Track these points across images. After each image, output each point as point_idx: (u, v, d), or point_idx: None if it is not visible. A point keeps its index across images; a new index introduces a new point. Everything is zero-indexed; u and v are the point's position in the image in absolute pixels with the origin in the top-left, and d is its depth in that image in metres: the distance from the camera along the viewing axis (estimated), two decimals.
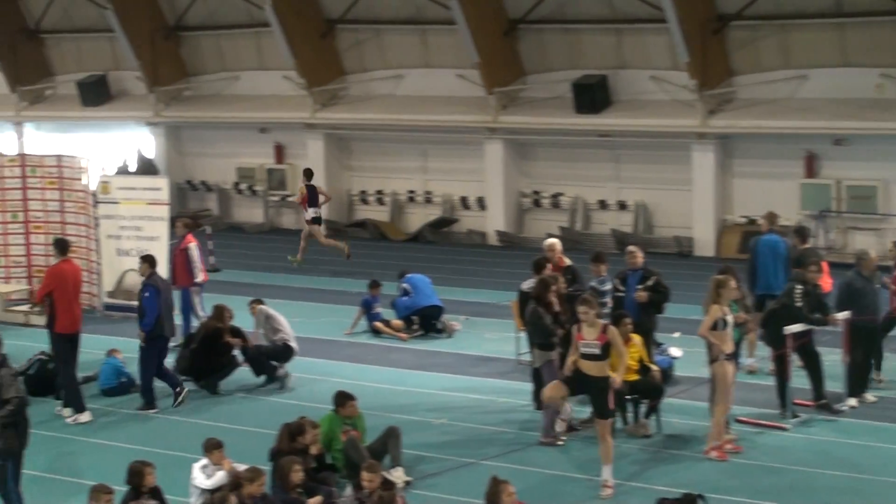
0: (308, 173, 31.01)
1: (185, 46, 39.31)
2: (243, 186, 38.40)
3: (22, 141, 41.63)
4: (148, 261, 19.88)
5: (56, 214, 26.22)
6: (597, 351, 15.06)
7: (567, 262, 19.81)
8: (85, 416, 18.77)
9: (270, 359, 20.57)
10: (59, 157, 26.71)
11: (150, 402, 19.34)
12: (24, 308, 25.16)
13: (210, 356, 20.28)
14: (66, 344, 18.90)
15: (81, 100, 40.21)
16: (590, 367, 15.09)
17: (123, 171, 37.46)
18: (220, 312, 20.53)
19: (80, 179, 25.93)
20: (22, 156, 28.11)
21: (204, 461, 14.59)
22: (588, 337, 15.07)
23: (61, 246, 19.76)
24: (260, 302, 21.19)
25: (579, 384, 15.31)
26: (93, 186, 26.35)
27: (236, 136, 38.51)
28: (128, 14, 37.67)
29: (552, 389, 15.63)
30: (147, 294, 19.34)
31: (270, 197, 38.13)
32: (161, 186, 26.09)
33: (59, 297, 18.92)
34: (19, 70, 40.94)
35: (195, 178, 39.43)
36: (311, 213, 30.56)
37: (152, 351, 19.36)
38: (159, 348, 19.49)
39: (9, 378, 14.03)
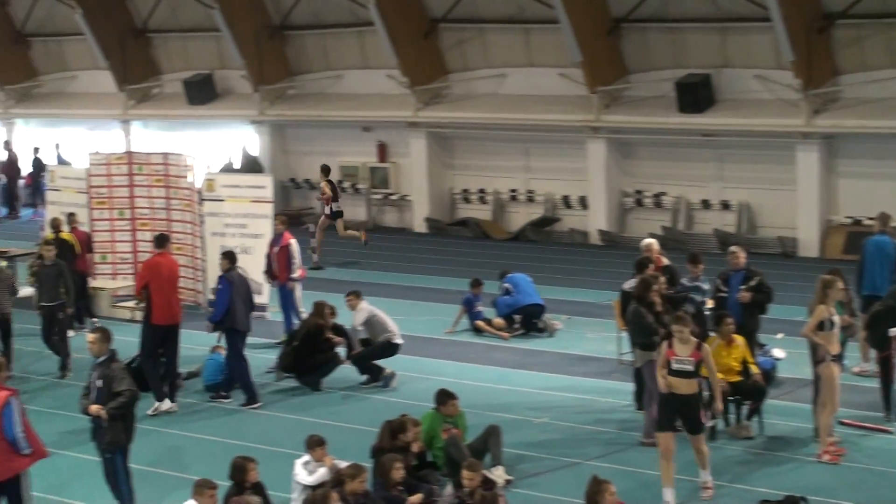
0: (326, 169, 31.50)
1: (290, 45, 39.60)
2: (346, 184, 38.62)
3: (129, 139, 42.17)
4: (228, 257, 20.24)
5: (162, 212, 26.50)
6: (689, 368, 14.83)
7: (665, 261, 19.72)
8: (165, 405, 19.11)
9: (375, 357, 20.68)
10: (165, 155, 26.99)
11: (252, 397, 19.56)
12: (131, 304, 25.44)
13: (312, 353, 20.44)
14: (157, 336, 19.20)
15: (187, 98, 40.65)
16: (680, 385, 14.79)
17: (228, 169, 37.83)
18: (320, 309, 20.68)
19: (185, 177, 26.20)
20: (129, 154, 28.42)
21: (306, 457, 14.70)
22: (681, 353, 14.84)
23: (160, 240, 20.33)
24: (358, 295, 21.23)
25: (671, 407, 14.90)
26: (198, 184, 26.66)
27: (339, 135, 38.72)
28: (234, 13, 38.02)
29: (665, 443, 14.91)
30: (220, 287, 19.75)
31: (373, 195, 38.30)
32: (265, 184, 26.33)
33: (154, 290, 19.36)
34: (127, 69, 41.46)
35: (299, 176, 39.72)
36: (334, 207, 31.22)
37: (235, 346, 19.62)
38: (239, 341, 19.73)
39: (120, 372, 14.29)
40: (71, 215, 25.70)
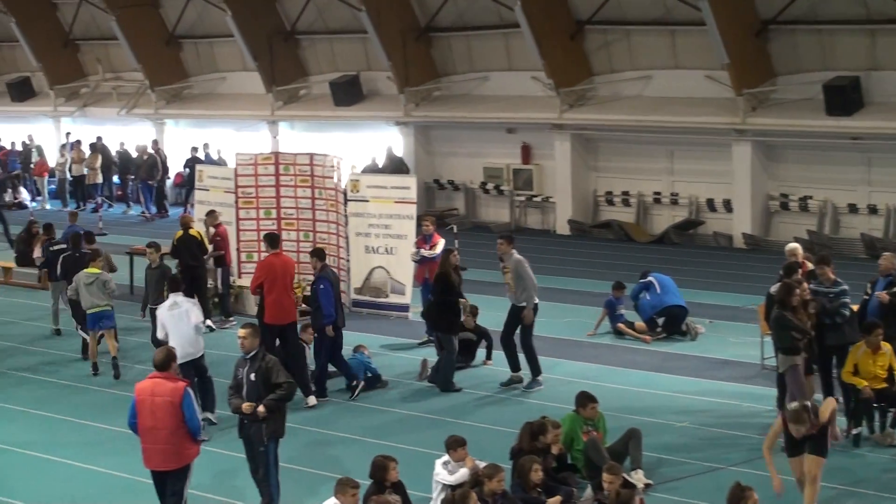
0: None
1: (436, 47, 39.80)
2: (490, 186, 38.68)
3: (276, 139, 42.73)
4: (317, 255, 20.50)
5: (307, 212, 26.78)
6: None
7: (810, 266, 19.40)
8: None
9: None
10: (311, 155, 27.21)
11: (304, 389, 19.22)
12: None
13: (446, 304, 20.75)
14: (271, 335, 19.44)
15: (334, 99, 41.05)
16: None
17: (371, 170, 38.12)
18: (445, 258, 21.40)
19: (331, 177, 26.43)
20: (276, 154, 28.74)
21: (446, 457, 14.76)
22: None
23: (272, 240, 20.78)
24: (510, 241, 21.12)
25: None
26: (343, 185, 26.90)
27: (484, 136, 38.81)
28: (381, 16, 38.31)
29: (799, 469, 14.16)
30: (322, 286, 19.84)
31: (516, 197, 38.32)
32: (409, 185, 26.46)
33: (267, 289, 19.80)
34: (275, 71, 42.03)
35: (443, 177, 39.90)
36: None
37: (329, 342, 19.93)
38: (336, 338, 20.06)
39: (276, 364, 14.56)
40: (210, 213, 26.09)
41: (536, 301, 20.44)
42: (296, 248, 26.72)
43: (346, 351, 21.16)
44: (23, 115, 49.44)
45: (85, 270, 21.74)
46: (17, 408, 19.88)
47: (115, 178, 45.15)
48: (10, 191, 45.33)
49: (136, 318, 24.33)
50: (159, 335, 18.65)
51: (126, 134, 45.81)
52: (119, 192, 44.99)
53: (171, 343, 17.42)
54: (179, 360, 15.74)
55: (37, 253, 29.19)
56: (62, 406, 19.92)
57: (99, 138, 45.24)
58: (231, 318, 25.27)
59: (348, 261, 26.11)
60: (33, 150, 47.08)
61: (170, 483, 13.66)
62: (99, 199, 43.76)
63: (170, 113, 45.54)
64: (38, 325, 25.53)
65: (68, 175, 44.67)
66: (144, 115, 45.69)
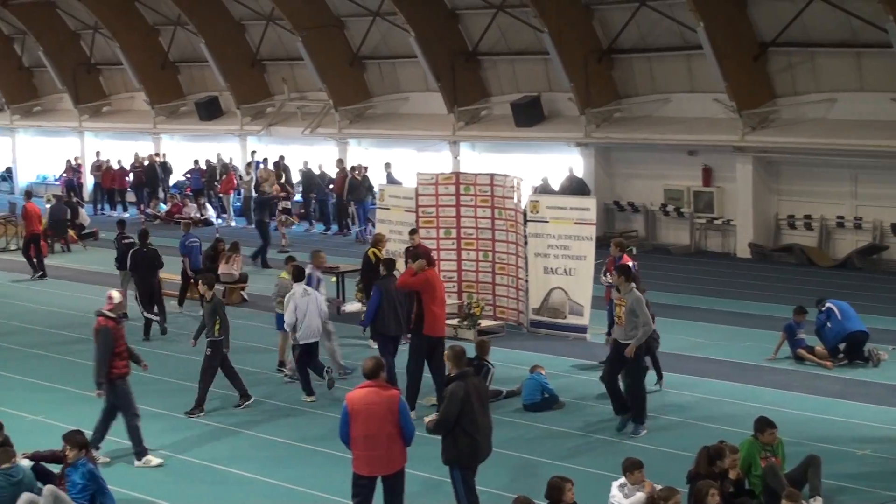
0: None
1: (617, 69, 39.77)
2: (670, 208, 38.49)
3: (457, 159, 43.08)
4: (386, 265, 21.67)
5: (487, 231, 26.99)
6: None
7: None
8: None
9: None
10: (491, 175, 27.42)
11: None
12: (454, 322, 25.97)
13: None
14: (426, 346, 20.06)
15: (515, 120, 41.27)
16: None
17: (546, 190, 38.16)
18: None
19: (511, 198, 26.62)
20: (456, 174, 29.01)
21: (623, 480, 14.78)
22: None
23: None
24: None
25: None
26: (523, 205, 27.05)
27: (664, 158, 38.63)
28: (563, 37, 38.42)
29: None
30: (372, 293, 21.18)
31: (697, 219, 38.05)
32: (589, 206, 26.46)
33: (427, 302, 20.18)
34: (457, 91, 42.42)
35: (622, 198, 39.82)
36: None
37: (385, 347, 20.90)
38: (389, 344, 20.98)
39: (448, 392, 14.69)
40: (413, 232, 26.15)
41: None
42: (475, 267, 26.98)
43: (523, 371, 21.30)
44: (211, 133, 50.70)
45: (281, 274, 23.06)
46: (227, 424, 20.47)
47: (297, 196, 46.01)
48: (195, 207, 46.52)
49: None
50: (289, 320, 21.34)
51: (310, 153, 46.62)
52: (301, 210, 45.79)
53: (302, 327, 21.19)
54: (307, 341, 21.25)
55: (222, 269, 29.98)
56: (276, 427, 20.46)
57: (282, 157, 46.21)
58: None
59: (527, 281, 26.23)
60: (218, 167, 48.29)
61: (385, 485, 14.05)
62: (282, 217, 44.50)
63: (353, 132, 46.22)
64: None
65: (253, 193, 45.60)
66: (328, 134, 46.45)
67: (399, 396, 14.07)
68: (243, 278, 30.67)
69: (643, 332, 18.75)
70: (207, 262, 30.61)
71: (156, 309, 26.69)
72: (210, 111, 50.59)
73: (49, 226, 39.26)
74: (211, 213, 46.67)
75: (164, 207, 48.06)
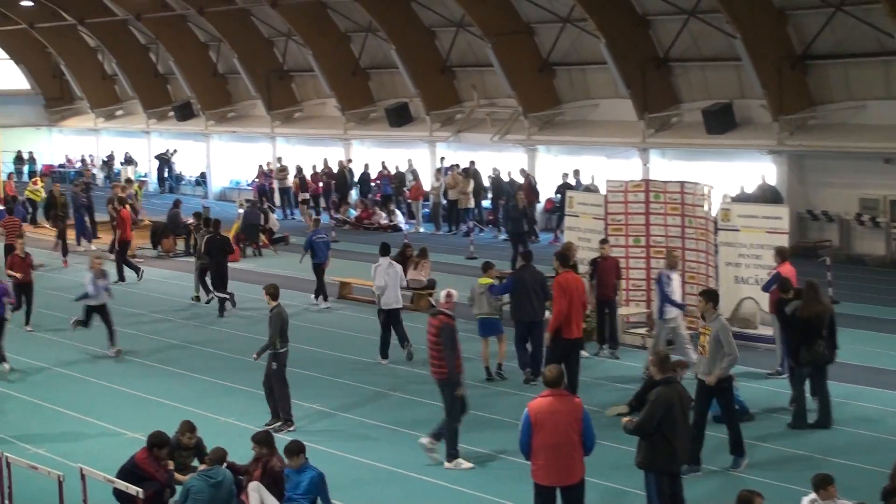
0: None
1: (812, 75, 39.10)
2: (865, 218, 37.71)
3: (647, 167, 42.85)
4: (524, 256, 23.71)
5: (676, 240, 26.80)
6: None
7: None
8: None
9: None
10: (682, 183, 27.25)
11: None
12: (643, 331, 25.90)
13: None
14: (564, 349, 20.75)
15: (706, 127, 40.88)
16: None
17: (742, 199, 37.71)
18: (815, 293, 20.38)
19: (701, 206, 26.42)
20: (646, 181, 28.88)
21: (813, 496, 14.56)
22: None
23: (563, 258, 22.02)
24: None
25: None
26: (714, 213, 26.80)
27: (860, 167, 37.85)
28: (756, 43, 37.94)
29: None
30: (506, 280, 23.93)
31: (893, 230, 37.20)
32: (781, 215, 26.14)
33: (565, 306, 20.79)
34: (647, 98, 42.20)
35: (816, 207, 39.14)
36: None
37: (518, 331, 22.86)
38: (523, 330, 22.80)
39: (652, 396, 14.70)
40: (603, 241, 26.04)
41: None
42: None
43: None
44: (400, 139, 51.28)
45: (479, 280, 23.69)
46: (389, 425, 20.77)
47: (486, 203, 46.28)
48: (384, 213, 47.14)
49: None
50: (379, 283, 25.00)
51: (498, 160, 46.85)
52: (490, 217, 46.05)
53: (387, 294, 24.85)
54: (388, 307, 24.94)
55: (410, 275, 30.25)
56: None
57: (472, 163, 46.51)
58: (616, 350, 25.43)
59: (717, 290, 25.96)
60: (408, 174, 48.83)
61: (566, 496, 14.09)
62: (470, 224, 44.89)
63: (542, 139, 46.30)
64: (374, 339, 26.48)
65: (443, 199, 46.06)
66: (517, 141, 46.61)
67: (582, 405, 14.11)
68: (431, 284, 30.92)
69: (728, 363, 17.63)
70: None
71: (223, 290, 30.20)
72: (400, 117, 51.14)
73: (241, 230, 40.19)
74: (399, 218, 47.19)
75: (353, 213, 48.75)
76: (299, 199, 49.45)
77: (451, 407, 18.14)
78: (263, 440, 15.74)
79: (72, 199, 42.39)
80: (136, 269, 35.21)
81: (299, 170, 52.12)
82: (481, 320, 23.52)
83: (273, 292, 20.42)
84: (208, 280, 30.97)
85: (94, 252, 26.61)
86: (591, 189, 40.00)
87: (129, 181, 41.34)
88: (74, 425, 20.77)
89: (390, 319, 25.10)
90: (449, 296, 18.69)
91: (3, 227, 37.10)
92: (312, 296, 31.40)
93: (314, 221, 33.56)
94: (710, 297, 18.10)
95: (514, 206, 37.50)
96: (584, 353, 23.48)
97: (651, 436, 14.43)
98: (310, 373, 24.02)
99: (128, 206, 37.77)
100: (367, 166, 50.97)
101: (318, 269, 31.04)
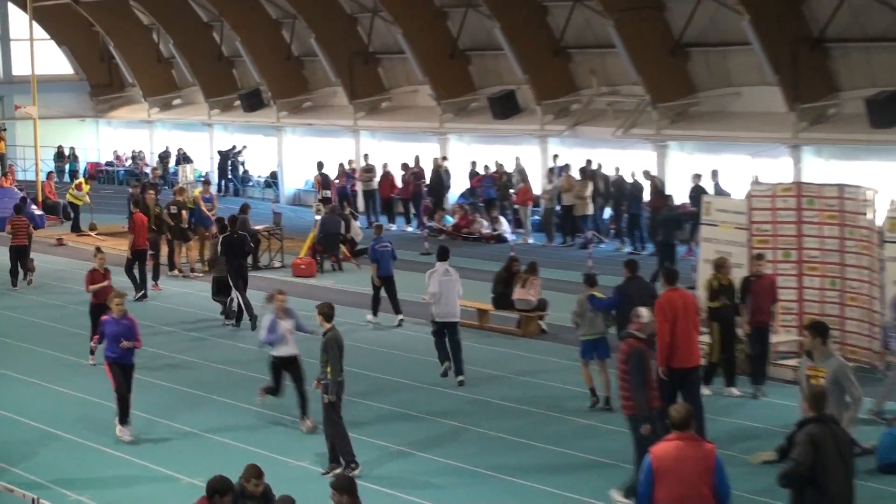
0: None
1: None
2: None
3: (799, 167, 42.40)
4: (628, 266, 24.70)
5: (834, 254, 26.50)
6: None
7: None
8: None
9: None
10: (840, 186, 26.89)
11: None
12: (793, 362, 25.53)
13: None
14: (674, 381, 20.58)
15: (869, 120, 40.34)
16: None
17: None
18: None
19: (864, 214, 26.08)
20: (798, 184, 28.58)
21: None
22: None
23: (671, 276, 21.76)
24: None
25: None
26: (879, 222, 26.43)
27: None
28: None
29: None
30: (612, 295, 24.31)
31: None
32: None
33: (670, 329, 20.70)
34: (800, 85, 41.68)
35: None
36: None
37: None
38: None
39: (801, 437, 14.43)
40: (758, 257, 25.88)
41: None
42: (819, 297, 26.55)
43: (876, 425, 20.83)
44: (506, 134, 51.30)
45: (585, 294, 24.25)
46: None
47: (608, 210, 46.12)
48: (487, 221, 47.07)
49: None
50: (433, 291, 25.85)
51: (622, 158, 46.72)
52: (612, 226, 45.84)
53: (441, 304, 25.79)
54: (443, 320, 25.86)
55: (518, 294, 30.24)
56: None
57: (588, 162, 46.39)
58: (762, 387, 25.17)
59: (882, 315, 25.59)
60: (513, 175, 48.72)
61: None
62: (588, 234, 44.71)
63: (673, 134, 46.05)
64: (542, 383, 26.43)
65: (556, 205, 45.94)
66: (643, 136, 46.44)
67: (715, 451, 13.92)
68: (542, 305, 30.84)
69: (856, 410, 17.23)
70: (499, 285, 30.92)
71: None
72: (505, 108, 51.13)
73: (318, 240, 40.33)
74: (505, 227, 47.14)
75: (449, 220, 48.81)
76: (318, 197, 49.80)
77: (638, 447, 18.04)
78: (346, 487, 15.71)
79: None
80: (137, 285, 35.52)
81: (340, 167, 52.85)
82: (588, 341, 23.94)
83: (327, 312, 20.57)
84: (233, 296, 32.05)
85: (273, 290, 24.88)
86: (722, 193, 39.68)
87: (181, 189, 41.36)
88: (121, 468, 20.99)
89: (447, 334, 26.07)
90: (638, 316, 18.74)
91: (11, 228, 38.36)
92: (395, 315, 31.92)
93: (377, 228, 33.96)
94: (819, 331, 17.51)
95: (669, 209, 37.45)
96: (705, 390, 23.37)
97: (801, 487, 14.18)
98: (371, 403, 24.23)
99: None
100: (474, 164, 50.87)
101: (384, 281, 32.00)
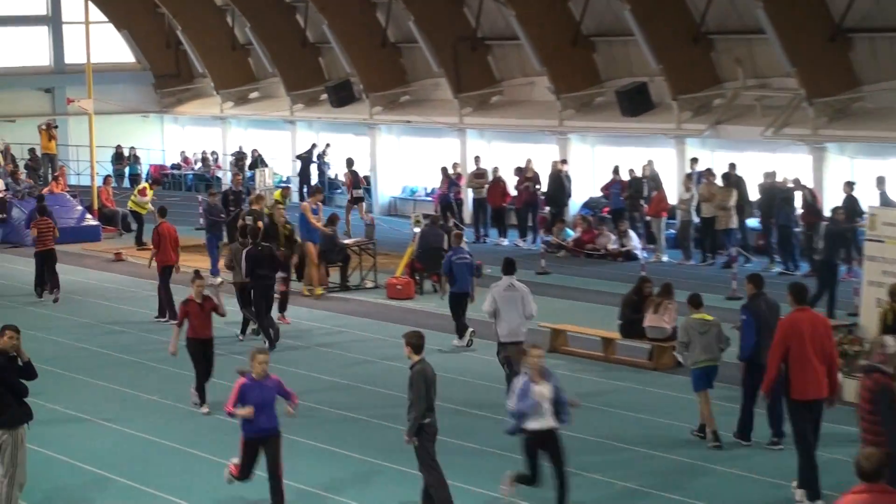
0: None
1: None
2: None
3: None
4: (752, 281, 24.14)
5: None
6: None
7: None
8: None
9: None
10: None
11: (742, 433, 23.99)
12: None
13: None
14: (804, 414, 20.79)
15: None
16: None
17: None
18: None
19: None
20: None
21: None
22: None
23: (797, 293, 21.77)
24: None
25: None
26: None
27: None
28: None
29: None
30: (743, 317, 23.62)
31: None
32: None
33: (793, 356, 20.95)
34: None
35: None
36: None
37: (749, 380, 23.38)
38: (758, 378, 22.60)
39: None
40: None
41: None
42: None
43: None
44: (636, 134, 51.49)
45: (693, 317, 24.82)
46: None
47: (754, 222, 46.13)
48: (614, 235, 47.03)
49: None
50: (488, 309, 27.07)
51: (772, 162, 46.57)
52: (760, 242, 45.62)
53: (503, 323, 26.85)
54: (508, 340, 26.76)
55: (650, 320, 30.31)
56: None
57: (732, 167, 46.36)
58: None
59: None
60: (646, 181, 48.53)
61: None
62: (732, 251, 44.59)
63: (832, 134, 45.90)
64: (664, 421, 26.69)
65: (694, 217, 45.79)
66: (797, 136, 46.32)
67: None
68: (677, 334, 30.53)
69: None
70: (628, 310, 30.95)
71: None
72: (636, 103, 51.11)
73: (418, 256, 40.35)
74: (635, 242, 47.03)
75: (570, 234, 48.87)
76: (350, 196, 50.01)
77: None
78: None
79: (206, 212, 43.28)
80: (164, 311, 36.44)
81: (443, 171, 52.93)
82: (702, 370, 24.41)
83: (416, 343, 20.27)
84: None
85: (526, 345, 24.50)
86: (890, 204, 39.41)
87: (259, 197, 41.42)
88: None
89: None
90: (883, 346, 18.69)
91: (37, 231, 39.81)
92: (459, 337, 32.91)
93: (456, 237, 34.81)
94: None
95: (832, 221, 37.19)
96: None
97: None
98: (464, 443, 24.42)
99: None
100: (616, 169, 50.57)
101: (457, 300, 32.84)
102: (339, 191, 62.80)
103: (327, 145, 63.52)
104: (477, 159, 54.10)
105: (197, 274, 27.99)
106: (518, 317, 26.94)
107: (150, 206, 50.24)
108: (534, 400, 19.91)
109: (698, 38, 49.52)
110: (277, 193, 48.46)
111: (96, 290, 40.65)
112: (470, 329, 32.74)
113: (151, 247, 37.84)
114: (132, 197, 51.71)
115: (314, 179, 61.21)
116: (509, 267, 27.77)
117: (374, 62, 60.80)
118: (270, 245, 34.35)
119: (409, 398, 20.07)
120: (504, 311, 26.90)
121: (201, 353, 27.07)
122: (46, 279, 39.72)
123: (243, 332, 34.02)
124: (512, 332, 26.83)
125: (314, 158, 63.03)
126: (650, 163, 49.36)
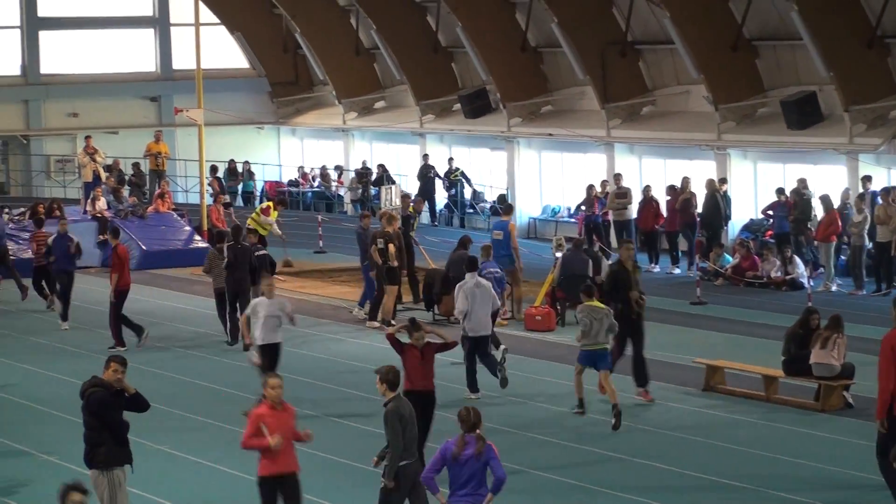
0: None
1: None
2: None
3: None
4: None
5: None
6: None
7: None
8: None
9: None
10: None
11: None
12: None
13: None
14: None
15: None
16: None
17: None
18: None
19: None
20: None
21: None
22: None
23: None
24: None
25: None
26: None
27: None
28: None
29: None
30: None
31: None
32: None
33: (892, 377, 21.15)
34: None
35: None
36: None
37: None
38: None
39: None
40: None
41: None
42: None
43: None
44: (801, 148, 51.29)
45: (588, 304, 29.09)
46: None
47: None
48: (778, 261, 46.76)
49: None
50: (460, 307, 31.07)
51: None
52: None
53: (472, 319, 30.79)
54: (475, 335, 30.86)
55: (816, 357, 30.06)
56: None
57: None
58: None
59: None
60: (814, 202, 48.14)
61: None
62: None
63: None
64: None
65: (867, 242, 45.50)
66: None
67: None
68: (848, 371, 30.22)
69: None
70: (793, 345, 30.55)
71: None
72: (804, 115, 50.60)
73: (559, 284, 40.13)
74: (801, 270, 46.64)
75: (729, 260, 48.69)
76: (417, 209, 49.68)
77: None
78: None
79: (359, 240, 42.48)
80: (137, 330, 37.24)
81: (589, 190, 53.09)
82: (586, 352, 29.17)
83: (391, 379, 19.94)
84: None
85: None
86: None
87: (391, 217, 40.35)
88: None
89: (478, 349, 31.19)
90: None
91: (35, 244, 42.79)
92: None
93: (484, 249, 37.72)
94: None
95: None
96: None
97: None
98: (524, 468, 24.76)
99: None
100: (780, 189, 50.51)
101: None
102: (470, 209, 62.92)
103: (449, 160, 63.61)
104: (618, 177, 54.06)
105: (415, 324, 25.70)
106: (486, 314, 31.30)
107: (275, 228, 49.42)
108: None
109: (874, 42, 49.19)
110: (410, 208, 48.10)
111: (200, 318, 40.85)
112: (503, 346, 32.93)
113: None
114: (253, 215, 50.32)
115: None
116: (472, 265, 32.66)
117: (512, 69, 60.93)
118: (248, 246, 39.25)
119: (388, 438, 19.97)
120: (473, 308, 31.06)
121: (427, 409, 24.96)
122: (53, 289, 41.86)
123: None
124: (478, 326, 31.13)
125: (431, 174, 63.00)
126: (818, 182, 49.19)
